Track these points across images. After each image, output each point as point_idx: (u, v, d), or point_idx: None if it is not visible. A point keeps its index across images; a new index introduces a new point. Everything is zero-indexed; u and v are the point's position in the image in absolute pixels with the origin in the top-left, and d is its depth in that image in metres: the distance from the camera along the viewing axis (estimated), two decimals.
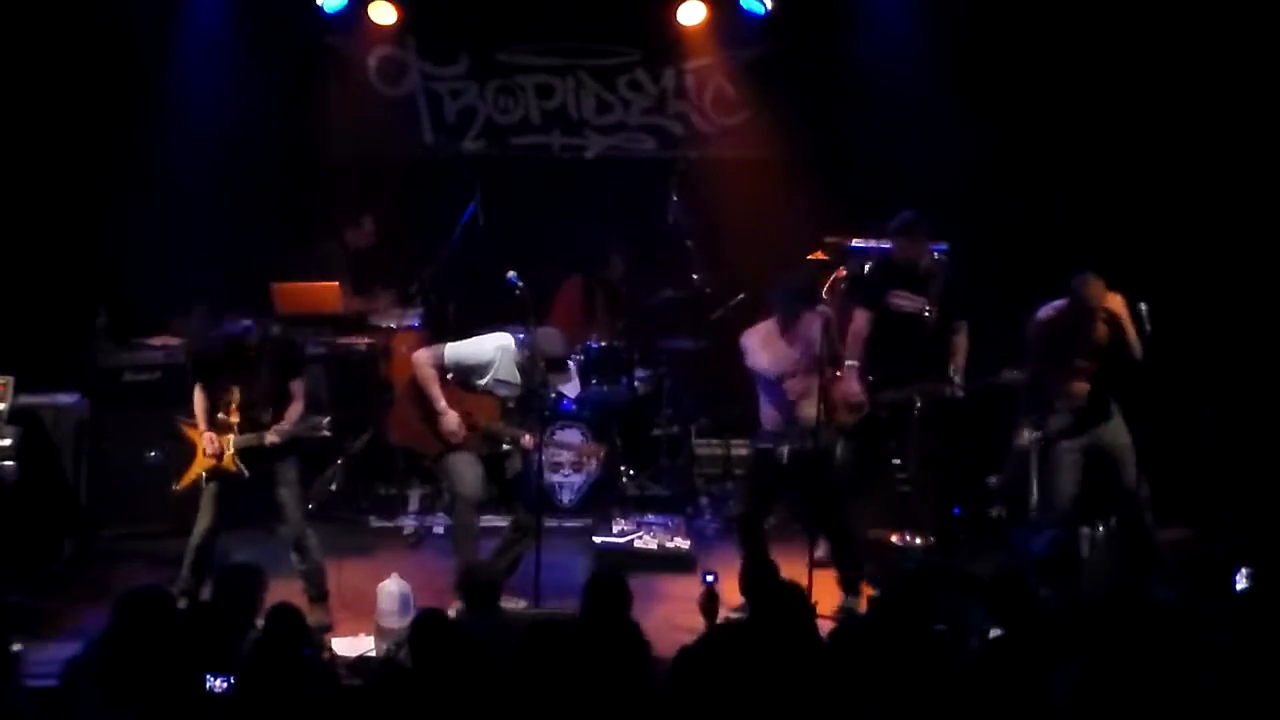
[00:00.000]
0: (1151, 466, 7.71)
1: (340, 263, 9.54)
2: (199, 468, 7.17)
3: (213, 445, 7.11)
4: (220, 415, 7.15)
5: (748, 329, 7.65)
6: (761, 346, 7.49)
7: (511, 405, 7.48)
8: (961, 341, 8.01)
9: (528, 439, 7.42)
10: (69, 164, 9.15)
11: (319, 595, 7.23)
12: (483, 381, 7.42)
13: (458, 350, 7.49)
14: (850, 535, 7.59)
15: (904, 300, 7.98)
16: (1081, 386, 7.55)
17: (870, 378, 7.94)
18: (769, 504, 7.78)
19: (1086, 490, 7.70)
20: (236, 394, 7.14)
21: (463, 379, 7.45)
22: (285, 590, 6.86)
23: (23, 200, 9.10)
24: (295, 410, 7.17)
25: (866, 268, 8.45)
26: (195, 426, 7.21)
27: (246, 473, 7.12)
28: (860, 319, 8.02)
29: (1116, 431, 7.62)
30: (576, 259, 9.79)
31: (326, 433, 7.34)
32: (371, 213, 9.68)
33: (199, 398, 7.21)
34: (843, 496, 7.68)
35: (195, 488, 7.20)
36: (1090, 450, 7.61)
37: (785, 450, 7.41)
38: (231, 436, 7.11)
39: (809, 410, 7.33)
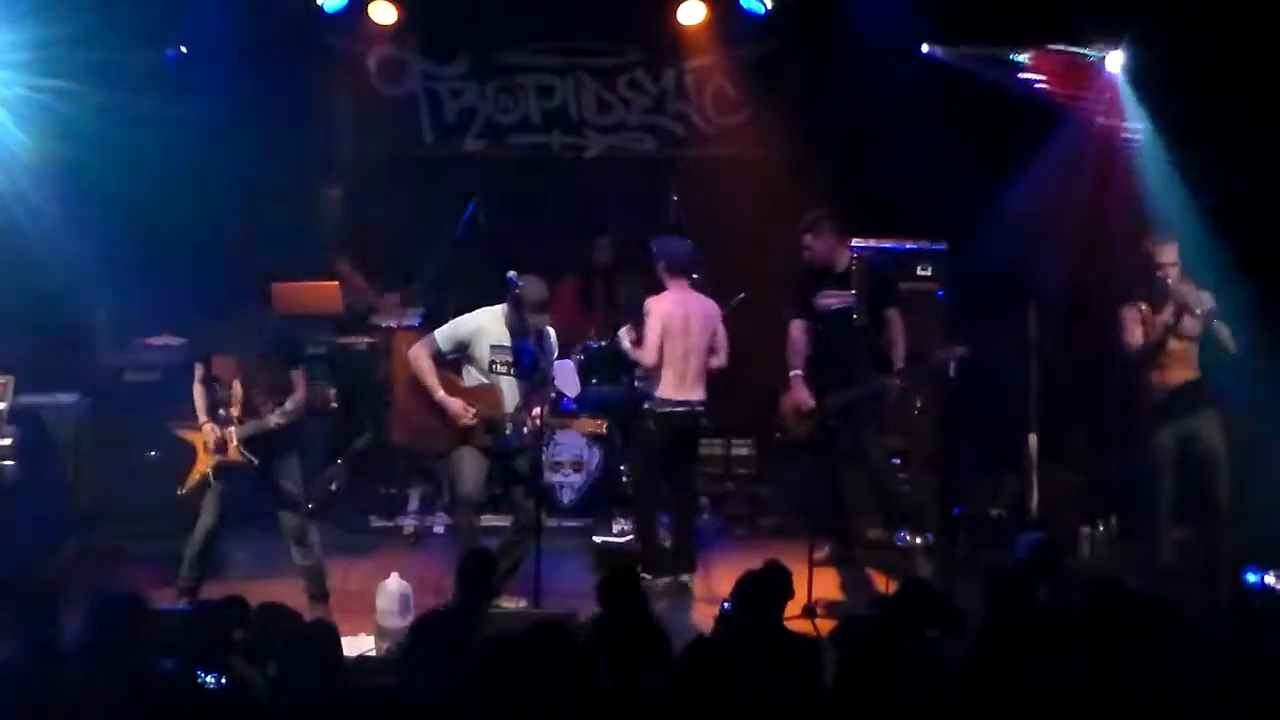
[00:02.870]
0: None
1: (339, 240, 9.57)
2: (202, 466, 7.17)
3: (214, 436, 7.11)
4: (221, 411, 7.15)
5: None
6: None
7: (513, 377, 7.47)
8: (897, 330, 8.00)
9: (529, 415, 7.39)
10: (69, 163, 9.13)
11: (319, 594, 7.23)
12: (479, 352, 7.41)
13: (446, 328, 7.52)
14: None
15: (832, 299, 8.01)
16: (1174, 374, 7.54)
17: (818, 385, 7.98)
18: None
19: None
20: (237, 388, 7.14)
21: (460, 353, 7.46)
22: (285, 590, 6.90)
23: (24, 200, 9.09)
24: (297, 398, 7.16)
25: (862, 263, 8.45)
26: (189, 428, 7.20)
27: (255, 460, 7.10)
28: (795, 329, 8.11)
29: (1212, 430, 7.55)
30: (576, 259, 9.81)
31: (334, 404, 7.30)
32: (338, 186, 9.71)
33: (198, 391, 7.20)
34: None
35: (200, 489, 7.18)
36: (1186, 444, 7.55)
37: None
38: (233, 428, 7.11)
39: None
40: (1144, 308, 7.56)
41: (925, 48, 9.34)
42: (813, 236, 8.02)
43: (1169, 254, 7.46)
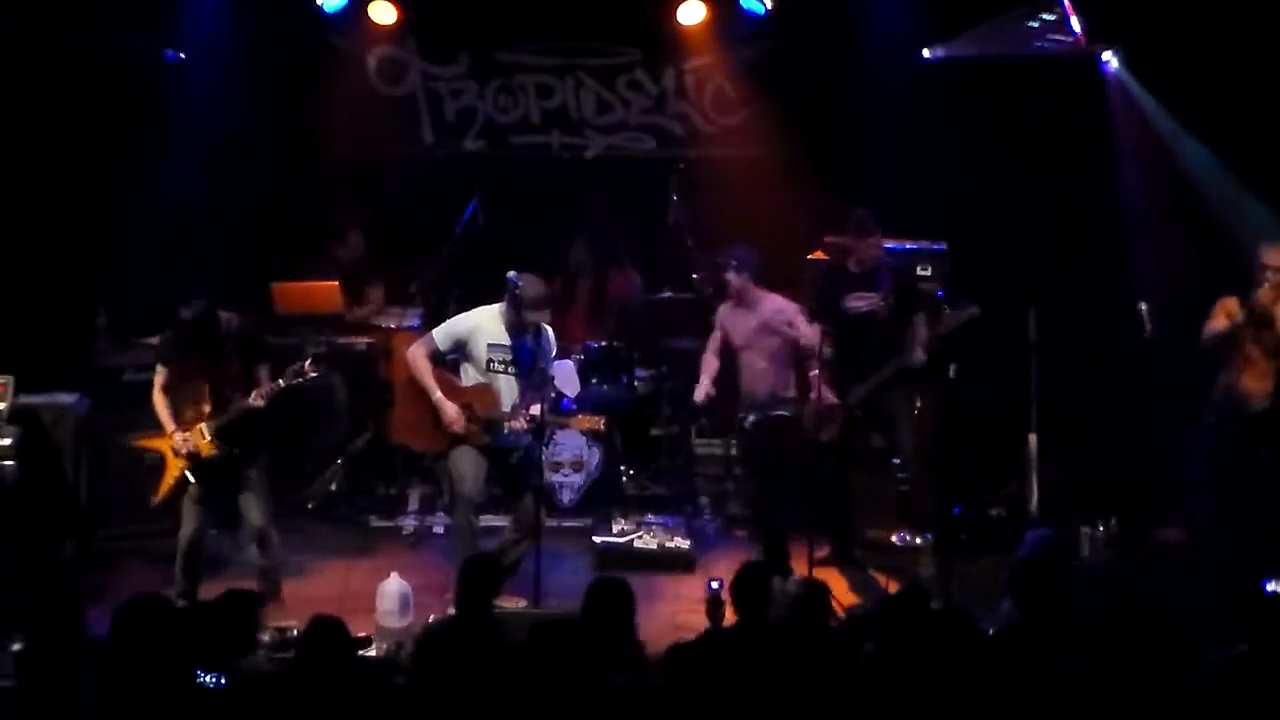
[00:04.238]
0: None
1: (333, 275, 9.51)
2: (174, 471, 7.13)
3: (185, 444, 7.07)
4: (190, 414, 7.10)
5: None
6: (726, 316, 8.03)
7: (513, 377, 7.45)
8: (920, 330, 7.99)
9: (525, 416, 7.35)
10: (69, 164, 9.15)
11: (274, 592, 7.15)
12: (476, 351, 7.39)
13: (443, 326, 7.51)
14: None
15: (860, 301, 8.02)
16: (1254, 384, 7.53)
17: (838, 386, 7.97)
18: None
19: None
20: (205, 390, 7.09)
21: (459, 352, 7.44)
22: (285, 590, 6.90)
23: (23, 200, 9.10)
24: (264, 390, 7.08)
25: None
26: (151, 438, 7.18)
27: (234, 450, 7.06)
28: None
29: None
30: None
31: (314, 374, 7.18)
32: (358, 226, 9.65)
33: (160, 401, 7.15)
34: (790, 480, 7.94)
35: (176, 495, 7.15)
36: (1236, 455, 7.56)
37: (749, 419, 7.91)
38: (202, 426, 7.07)
39: (759, 387, 7.79)
40: (1229, 301, 7.48)
41: (926, 53, 9.35)
42: (863, 237, 8.00)
43: (1273, 257, 7.36)
